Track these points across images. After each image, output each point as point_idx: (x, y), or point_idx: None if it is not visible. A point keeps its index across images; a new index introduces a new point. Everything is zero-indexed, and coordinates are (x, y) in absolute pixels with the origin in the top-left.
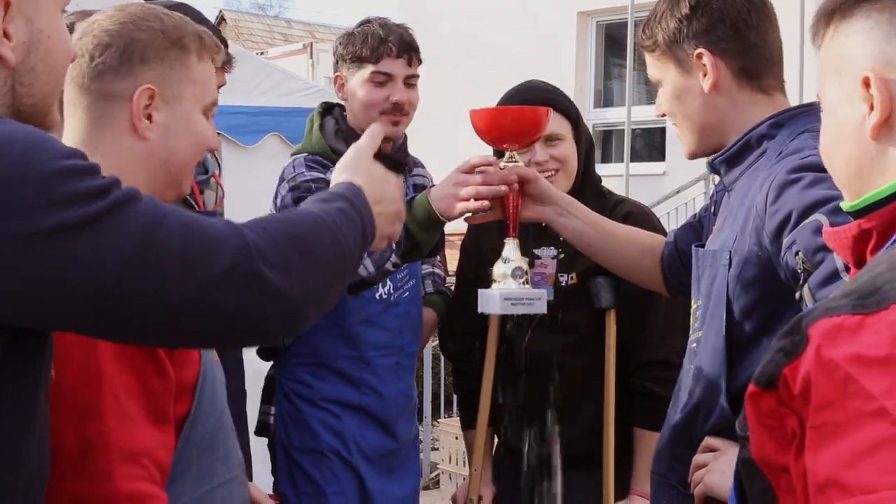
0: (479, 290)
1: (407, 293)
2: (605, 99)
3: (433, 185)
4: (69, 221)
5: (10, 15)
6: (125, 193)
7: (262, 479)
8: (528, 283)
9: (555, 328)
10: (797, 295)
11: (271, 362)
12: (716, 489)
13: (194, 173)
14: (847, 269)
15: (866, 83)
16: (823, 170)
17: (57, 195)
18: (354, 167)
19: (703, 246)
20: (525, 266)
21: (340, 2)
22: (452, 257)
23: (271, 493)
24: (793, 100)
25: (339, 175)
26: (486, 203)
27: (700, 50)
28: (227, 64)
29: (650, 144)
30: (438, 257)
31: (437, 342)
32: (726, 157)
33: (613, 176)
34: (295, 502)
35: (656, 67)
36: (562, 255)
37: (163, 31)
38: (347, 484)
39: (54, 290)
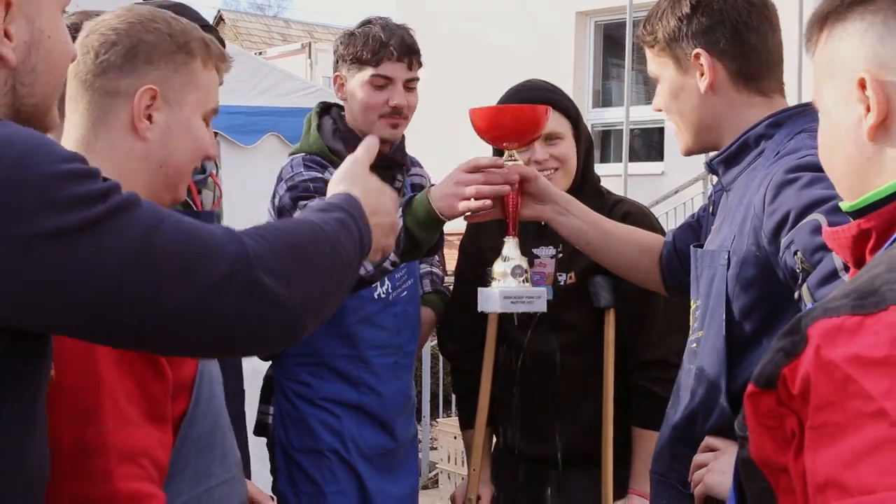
0: (479, 289)
1: (405, 292)
2: (604, 99)
3: (433, 185)
4: (69, 225)
5: (10, 15)
6: (125, 198)
7: (261, 478)
8: (527, 281)
9: (553, 327)
10: (796, 294)
11: (270, 362)
12: (716, 489)
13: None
14: (846, 269)
15: (862, 85)
16: (821, 169)
17: (57, 198)
18: (351, 178)
19: (701, 246)
20: (525, 264)
21: (339, 2)
22: (451, 257)
23: (271, 493)
24: (791, 101)
25: (335, 186)
26: (488, 202)
27: (698, 50)
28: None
29: (648, 144)
30: (437, 257)
31: (435, 342)
32: (724, 157)
33: (612, 176)
34: (294, 502)
35: (655, 63)
36: (560, 255)
37: (170, 34)
38: (346, 483)
39: (54, 293)
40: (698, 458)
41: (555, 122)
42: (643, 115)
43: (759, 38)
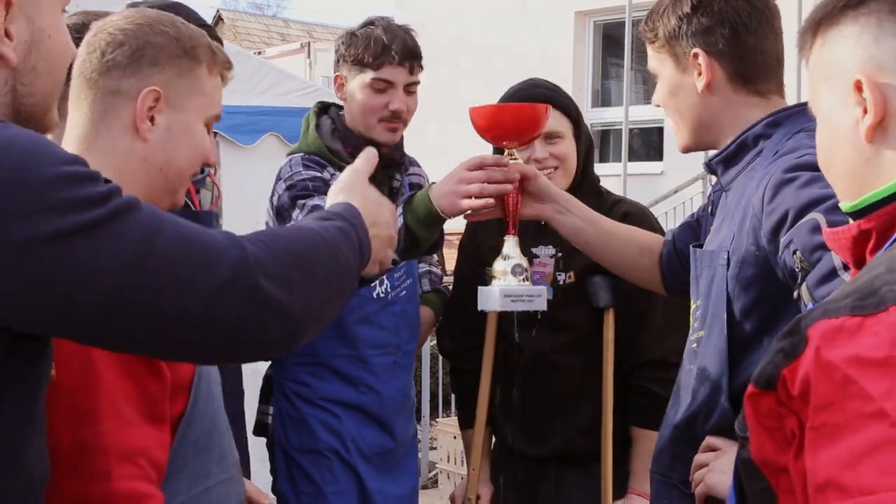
0: (479, 288)
1: (404, 292)
2: (603, 98)
3: (433, 183)
4: (69, 227)
5: (11, 14)
6: (125, 201)
7: (261, 478)
8: (527, 279)
9: (552, 327)
10: (795, 294)
11: (269, 362)
12: (717, 488)
13: None
14: (845, 267)
15: (858, 87)
16: (819, 169)
17: (57, 201)
18: (351, 189)
19: (700, 246)
20: (525, 263)
21: (338, 1)
22: (450, 257)
23: (270, 493)
24: (791, 101)
25: (334, 196)
26: (491, 201)
27: (696, 50)
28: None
29: (648, 144)
30: (435, 256)
31: (435, 341)
32: (723, 157)
33: (611, 175)
34: (294, 502)
35: (656, 59)
36: (560, 254)
37: (177, 38)
38: (346, 483)
39: (54, 295)
40: (699, 457)
41: (555, 120)
42: (642, 114)
43: (757, 40)
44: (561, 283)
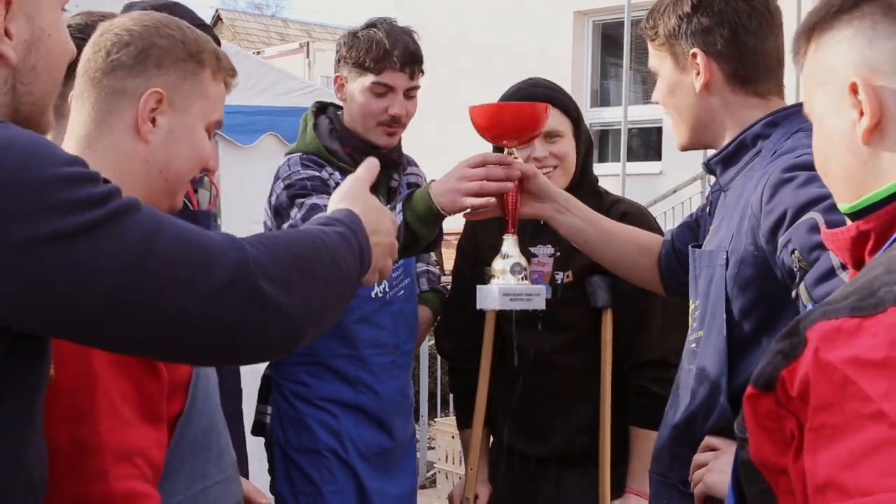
0: (478, 286)
1: (402, 291)
2: (602, 98)
3: (433, 180)
4: (68, 228)
5: (11, 13)
6: (125, 202)
7: (259, 478)
8: (526, 278)
9: (551, 327)
10: (793, 293)
11: (267, 362)
12: (716, 488)
13: None
14: (843, 267)
15: (853, 90)
16: None
17: (56, 201)
18: (352, 197)
19: (699, 246)
20: (524, 262)
21: (337, 1)
22: (449, 256)
23: (269, 493)
24: (790, 101)
25: (336, 203)
26: (492, 199)
27: (695, 50)
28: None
29: (647, 144)
30: (433, 255)
31: (433, 341)
32: (722, 157)
33: (610, 175)
34: (292, 502)
35: (656, 57)
36: (558, 254)
37: (183, 41)
38: (345, 483)
39: (54, 295)
40: (698, 457)
41: (555, 119)
42: (641, 114)
43: (757, 41)
44: (559, 282)
